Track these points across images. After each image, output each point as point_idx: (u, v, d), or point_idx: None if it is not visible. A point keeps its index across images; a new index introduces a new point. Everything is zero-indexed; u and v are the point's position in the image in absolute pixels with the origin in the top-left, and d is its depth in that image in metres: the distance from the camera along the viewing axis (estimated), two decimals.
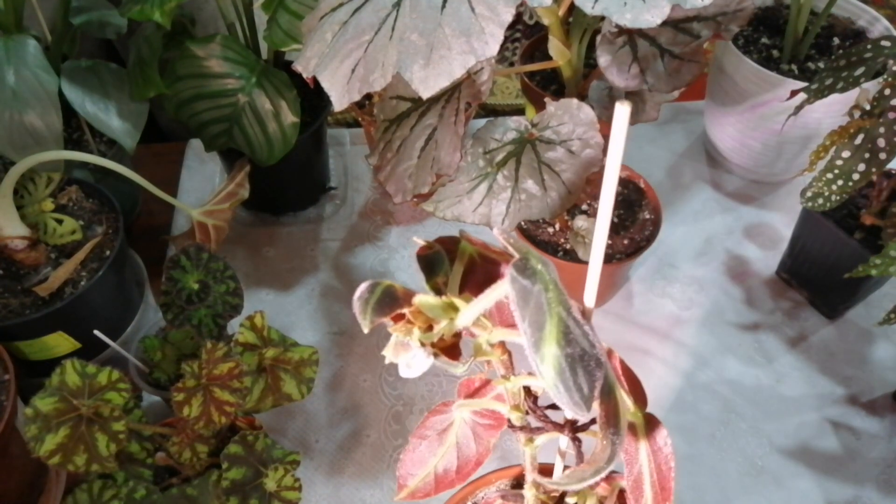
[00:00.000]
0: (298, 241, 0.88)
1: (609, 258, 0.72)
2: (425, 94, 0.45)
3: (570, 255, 0.71)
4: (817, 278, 0.77)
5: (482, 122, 0.67)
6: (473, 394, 0.40)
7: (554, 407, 0.37)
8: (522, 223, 0.74)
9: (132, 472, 0.56)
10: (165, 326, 0.65)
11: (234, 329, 0.62)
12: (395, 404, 0.73)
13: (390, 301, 0.27)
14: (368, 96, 0.86)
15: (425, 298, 0.28)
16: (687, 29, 0.60)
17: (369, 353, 0.77)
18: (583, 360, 0.25)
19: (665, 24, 0.59)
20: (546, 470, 0.40)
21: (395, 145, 0.60)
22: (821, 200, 0.69)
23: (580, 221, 0.70)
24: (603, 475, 0.28)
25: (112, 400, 0.54)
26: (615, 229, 0.74)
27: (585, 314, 0.32)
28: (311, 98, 0.81)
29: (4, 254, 0.66)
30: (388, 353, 0.29)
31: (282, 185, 0.87)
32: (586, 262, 0.71)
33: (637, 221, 0.75)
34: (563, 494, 0.39)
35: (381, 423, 0.71)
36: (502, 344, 0.34)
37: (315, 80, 0.50)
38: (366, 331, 0.27)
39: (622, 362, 0.33)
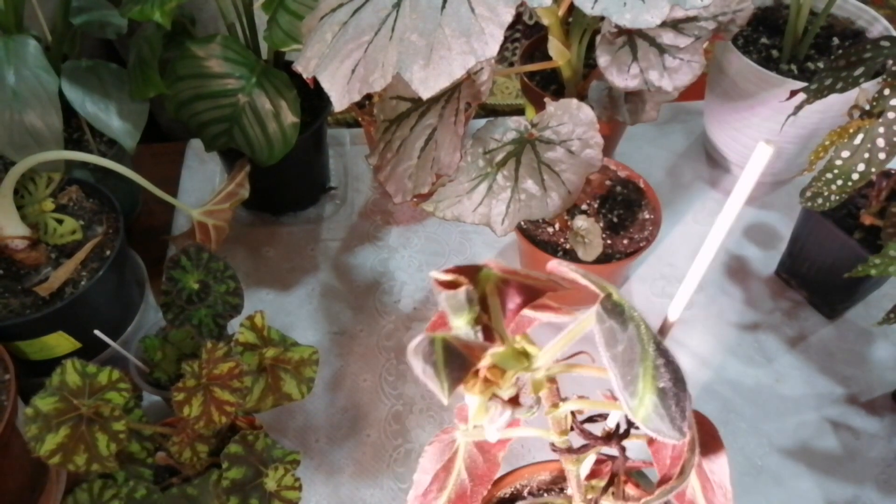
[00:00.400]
0: (298, 241, 0.88)
1: (608, 258, 0.72)
2: (425, 95, 0.45)
3: (570, 255, 0.72)
4: (817, 278, 0.77)
5: (482, 122, 0.67)
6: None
7: (592, 420, 0.37)
8: (522, 223, 0.74)
9: (132, 472, 0.56)
10: (166, 326, 0.65)
11: (235, 329, 0.62)
12: (395, 404, 0.73)
13: (460, 363, 0.24)
14: (368, 96, 0.86)
15: (499, 352, 0.27)
16: (687, 29, 0.60)
17: (369, 353, 0.77)
18: (674, 391, 0.25)
19: (665, 24, 0.59)
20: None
21: (395, 145, 0.60)
22: (820, 200, 0.69)
23: (580, 221, 0.71)
24: (674, 493, 0.29)
25: (112, 400, 0.54)
26: (614, 229, 0.75)
27: (664, 329, 0.32)
28: (312, 98, 0.81)
29: (5, 254, 0.66)
30: (479, 419, 0.27)
31: (282, 185, 0.87)
32: (586, 262, 0.71)
33: (637, 221, 0.75)
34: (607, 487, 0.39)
35: (381, 422, 0.72)
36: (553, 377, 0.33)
37: (315, 80, 0.50)
38: (446, 402, 0.24)
39: None
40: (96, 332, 0.58)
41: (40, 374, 0.57)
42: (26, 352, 0.66)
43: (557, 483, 0.49)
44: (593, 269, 0.69)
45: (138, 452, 0.57)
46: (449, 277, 0.26)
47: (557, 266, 0.28)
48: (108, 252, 0.68)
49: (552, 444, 0.36)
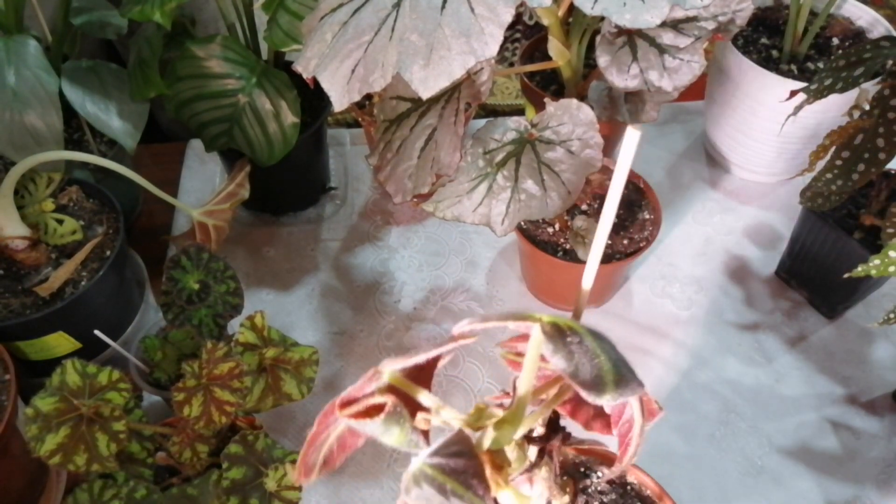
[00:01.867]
0: (299, 242, 0.88)
1: (609, 258, 0.72)
2: (425, 95, 0.45)
3: (570, 255, 0.72)
4: (817, 278, 0.77)
5: (482, 122, 0.67)
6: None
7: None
8: (522, 223, 0.74)
9: (132, 472, 0.56)
10: (166, 326, 0.65)
11: (235, 329, 0.62)
12: None
13: (469, 473, 0.23)
14: (368, 97, 0.86)
15: (492, 437, 0.26)
16: (686, 29, 0.60)
17: (369, 353, 0.77)
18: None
19: (664, 24, 0.59)
20: None
21: (395, 145, 0.60)
22: (820, 200, 0.69)
23: (580, 221, 0.71)
24: None
25: (112, 400, 0.54)
26: (615, 229, 0.75)
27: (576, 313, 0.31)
28: (312, 98, 0.81)
29: (5, 254, 0.66)
30: None
31: (282, 186, 0.87)
32: (586, 262, 0.71)
33: (636, 221, 0.75)
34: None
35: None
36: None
37: (315, 80, 0.50)
38: None
39: None
40: (96, 332, 0.58)
41: (40, 374, 0.57)
42: (26, 352, 0.66)
43: None
44: None
45: (138, 452, 0.57)
46: (358, 410, 0.25)
47: (464, 328, 0.27)
48: (108, 252, 0.68)
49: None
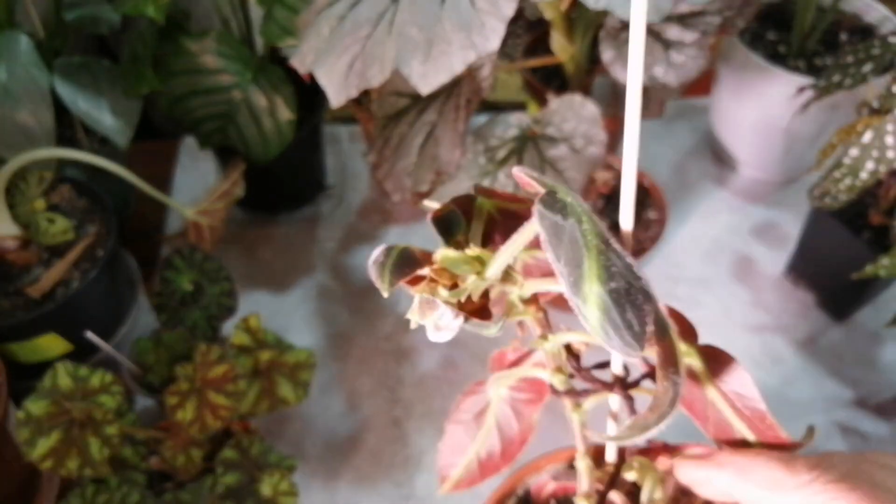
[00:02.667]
0: (295, 241, 0.87)
1: None
2: (425, 91, 0.44)
3: None
4: (826, 279, 0.76)
5: (483, 118, 0.65)
6: (509, 367, 0.37)
7: (600, 366, 0.34)
8: None
9: (125, 477, 0.55)
10: (159, 328, 0.64)
11: (229, 331, 0.61)
12: (394, 408, 0.72)
13: (409, 262, 0.25)
14: (366, 92, 0.84)
15: (448, 253, 0.26)
16: (692, 24, 0.59)
17: (367, 356, 0.76)
18: (629, 294, 0.22)
19: (670, 18, 0.58)
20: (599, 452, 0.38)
21: (394, 143, 0.59)
22: (829, 199, 0.68)
23: None
24: (667, 420, 0.25)
25: (105, 403, 0.53)
26: (616, 229, 0.73)
27: (624, 242, 0.30)
28: (308, 94, 0.80)
29: None
30: (413, 315, 0.27)
31: (278, 184, 0.85)
32: None
33: (642, 220, 0.74)
34: (619, 469, 0.37)
35: (379, 427, 0.70)
36: (536, 299, 0.31)
37: (312, 75, 0.49)
38: (385, 294, 0.25)
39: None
40: (88, 334, 0.57)
41: (32, 376, 0.56)
42: (17, 354, 0.65)
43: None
44: None
45: (131, 457, 0.56)
46: (444, 206, 0.27)
47: (518, 173, 0.27)
48: (100, 252, 0.67)
49: (551, 388, 0.34)
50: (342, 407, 0.72)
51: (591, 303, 0.22)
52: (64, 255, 0.66)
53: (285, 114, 0.72)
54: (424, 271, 0.26)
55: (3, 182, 0.62)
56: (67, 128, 0.80)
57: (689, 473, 0.32)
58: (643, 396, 0.32)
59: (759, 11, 0.85)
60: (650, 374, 0.32)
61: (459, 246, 0.27)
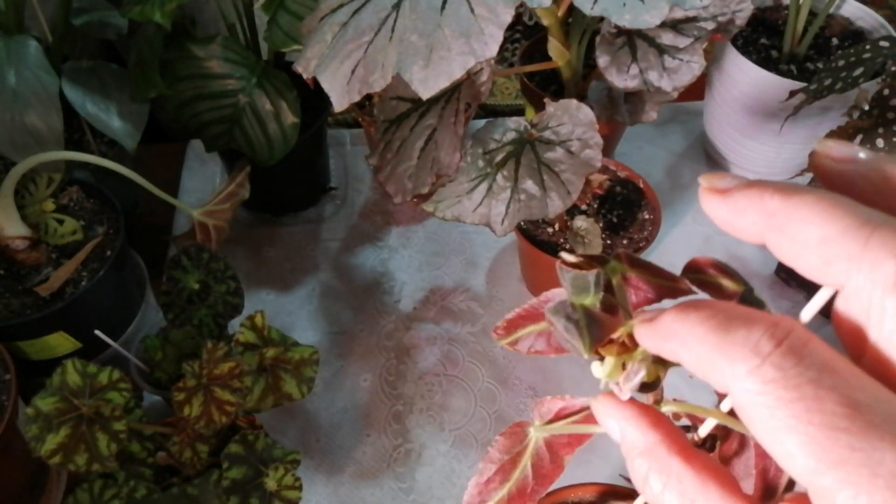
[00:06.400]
0: (299, 242, 0.88)
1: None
2: (425, 95, 0.45)
3: None
4: None
5: (482, 122, 0.67)
6: (563, 417, 0.39)
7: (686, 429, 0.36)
8: (522, 223, 0.74)
9: (133, 472, 0.56)
10: (166, 326, 0.65)
11: (235, 329, 0.62)
12: (396, 404, 0.73)
13: (599, 325, 0.26)
14: (368, 97, 0.86)
15: (635, 325, 0.27)
16: (686, 29, 0.60)
17: (369, 353, 0.77)
18: None
19: (664, 24, 0.59)
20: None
21: (395, 146, 0.60)
22: None
23: (579, 221, 0.71)
24: None
25: (113, 399, 0.54)
26: (614, 229, 0.75)
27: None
28: (312, 99, 0.81)
29: (5, 254, 0.66)
30: (609, 377, 0.27)
31: (282, 186, 0.87)
32: None
33: (636, 221, 0.75)
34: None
35: (381, 422, 0.72)
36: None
37: (315, 80, 0.50)
38: (586, 357, 0.25)
39: None
40: (97, 332, 0.58)
41: (41, 374, 0.57)
42: (27, 352, 0.67)
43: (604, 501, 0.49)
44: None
45: (139, 452, 0.57)
46: (575, 260, 0.27)
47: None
48: (108, 252, 0.69)
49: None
50: (345, 402, 0.73)
51: None
52: (73, 255, 0.68)
53: (289, 118, 0.73)
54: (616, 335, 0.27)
55: (13, 184, 0.63)
56: (76, 131, 0.81)
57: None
58: None
59: (752, 17, 0.87)
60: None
61: (614, 310, 0.27)
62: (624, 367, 0.27)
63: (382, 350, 0.77)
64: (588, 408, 0.36)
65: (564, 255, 0.27)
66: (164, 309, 0.62)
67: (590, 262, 0.27)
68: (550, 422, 0.37)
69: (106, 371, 0.54)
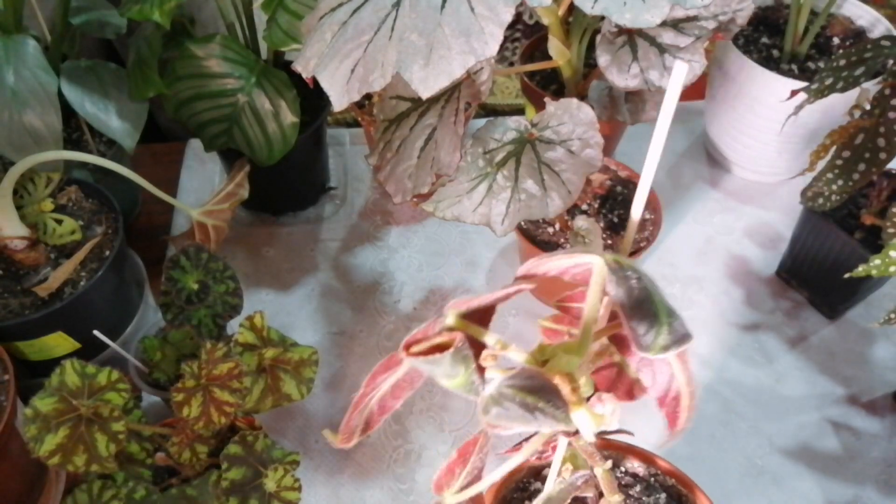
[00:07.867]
0: (298, 242, 0.88)
1: None
2: (425, 94, 0.45)
3: None
4: (817, 278, 0.77)
5: (482, 121, 0.67)
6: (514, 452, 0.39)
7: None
8: (522, 223, 0.74)
9: (132, 473, 0.56)
10: (165, 326, 0.65)
11: (234, 329, 0.62)
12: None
13: (548, 389, 0.26)
14: (368, 96, 0.86)
15: (561, 361, 0.28)
16: (687, 29, 0.60)
17: (369, 354, 0.77)
18: None
19: (665, 23, 0.59)
20: None
21: (395, 145, 0.60)
22: (821, 200, 0.69)
23: (580, 221, 0.70)
24: None
25: (112, 400, 0.54)
26: (615, 229, 0.74)
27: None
28: (311, 98, 0.81)
29: (4, 254, 0.66)
30: (598, 425, 0.28)
31: (281, 186, 0.86)
32: None
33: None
34: None
35: (380, 423, 0.71)
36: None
37: (314, 80, 0.49)
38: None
39: None
40: (95, 332, 0.58)
41: (40, 374, 0.57)
42: (25, 352, 0.66)
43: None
44: None
45: (137, 453, 0.57)
46: (424, 348, 0.26)
47: (526, 269, 0.28)
48: (107, 252, 0.68)
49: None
50: (344, 403, 0.73)
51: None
52: (71, 255, 0.67)
53: (289, 117, 0.73)
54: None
55: (12, 184, 0.62)
56: (75, 130, 0.81)
57: None
58: None
59: (753, 16, 0.87)
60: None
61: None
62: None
63: (382, 350, 0.77)
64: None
65: (408, 357, 0.26)
66: (162, 309, 0.62)
67: (435, 342, 0.26)
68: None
69: (105, 371, 0.54)
